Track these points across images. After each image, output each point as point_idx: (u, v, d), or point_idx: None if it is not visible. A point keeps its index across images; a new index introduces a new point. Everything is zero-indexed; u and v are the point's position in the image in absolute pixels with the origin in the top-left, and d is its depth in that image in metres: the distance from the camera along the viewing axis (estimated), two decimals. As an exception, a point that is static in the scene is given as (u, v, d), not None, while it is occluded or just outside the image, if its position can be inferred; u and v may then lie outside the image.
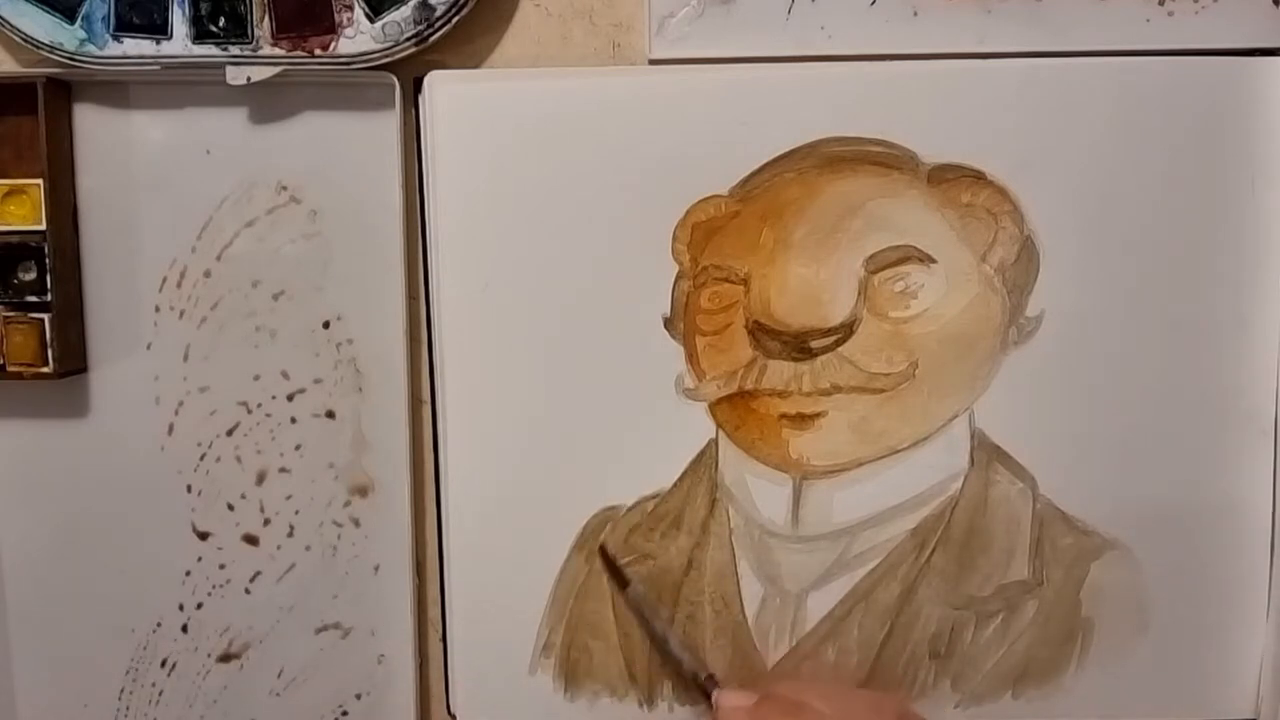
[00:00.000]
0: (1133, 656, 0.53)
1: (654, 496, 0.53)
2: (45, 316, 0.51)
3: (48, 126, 0.50)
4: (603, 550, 0.52)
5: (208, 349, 0.53)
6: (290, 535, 0.54)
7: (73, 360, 0.52)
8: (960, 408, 0.52)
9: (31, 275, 0.51)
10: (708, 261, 0.51)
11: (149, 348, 0.53)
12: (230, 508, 0.54)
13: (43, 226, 0.50)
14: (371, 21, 0.49)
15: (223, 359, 0.53)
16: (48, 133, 0.50)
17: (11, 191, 0.50)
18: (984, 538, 0.52)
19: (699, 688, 0.51)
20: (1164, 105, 0.50)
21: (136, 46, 0.49)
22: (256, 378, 0.53)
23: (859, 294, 0.51)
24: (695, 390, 0.52)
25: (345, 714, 0.56)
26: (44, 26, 0.49)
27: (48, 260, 0.50)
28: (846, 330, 0.51)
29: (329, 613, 0.55)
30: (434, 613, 0.55)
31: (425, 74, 0.50)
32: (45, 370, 0.51)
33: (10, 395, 0.54)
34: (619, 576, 0.52)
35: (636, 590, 0.52)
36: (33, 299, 0.51)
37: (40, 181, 0.50)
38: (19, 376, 0.51)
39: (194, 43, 0.49)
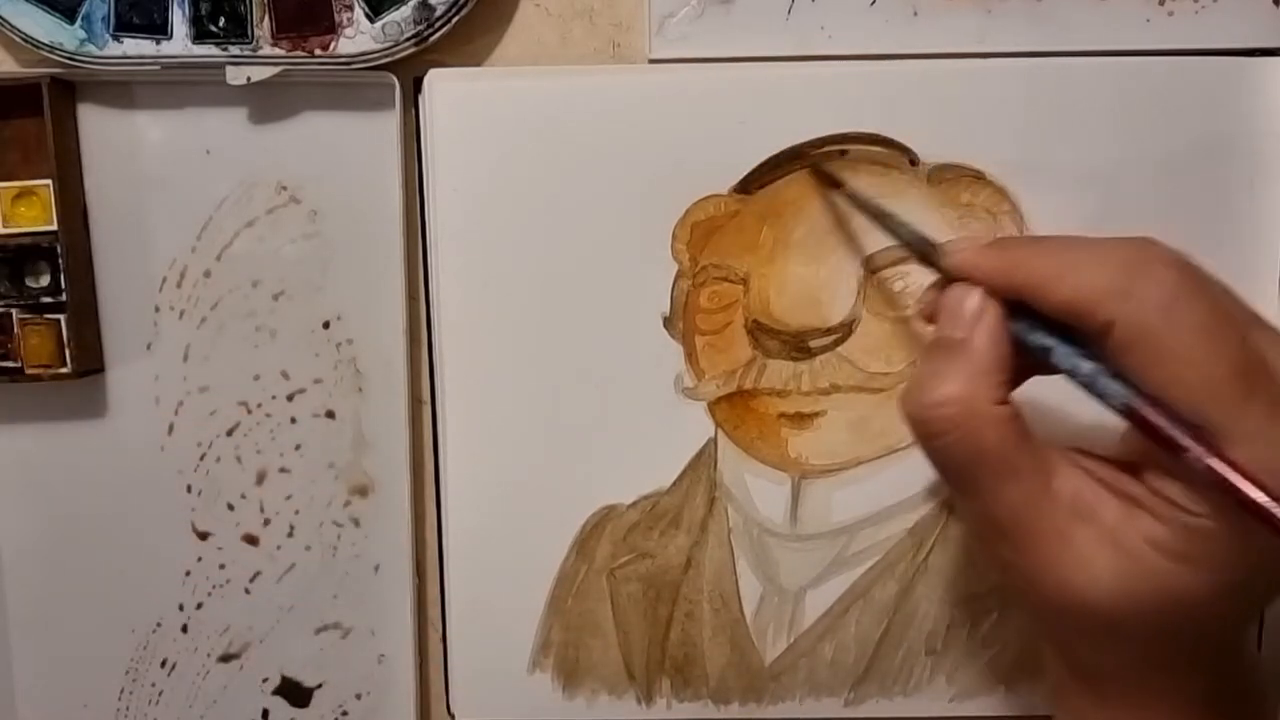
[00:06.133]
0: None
1: (653, 495, 0.53)
2: (61, 317, 0.51)
3: (54, 126, 0.50)
4: (815, 169, 0.50)
5: (208, 349, 0.53)
6: (290, 535, 0.54)
7: (90, 360, 0.52)
8: (959, 407, 0.52)
9: (45, 276, 0.51)
10: (707, 261, 0.51)
11: (149, 348, 0.53)
12: (230, 508, 0.54)
13: (54, 227, 0.50)
14: (371, 21, 0.49)
15: (223, 359, 0.53)
16: (54, 132, 0.50)
17: (21, 194, 0.50)
18: (982, 536, 0.52)
19: (929, 263, 0.44)
20: (1164, 105, 0.50)
21: (136, 46, 0.49)
22: (256, 378, 0.53)
23: (858, 293, 0.51)
24: (694, 389, 0.52)
25: (345, 714, 0.56)
26: (44, 26, 0.49)
27: (60, 260, 0.50)
28: (846, 330, 0.51)
29: (329, 613, 0.55)
30: (434, 613, 0.55)
31: (425, 74, 0.50)
32: (64, 371, 0.51)
33: (22, 397, 0.54)
34: (830, 179, 0.49)
35: (848, 188, 0.49)
36: (47, 300, 0.51)
37: (49, 182, 0.50)
38: (38, 378, 0.51)
39: (194, 43, 0.49)
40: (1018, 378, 0.41)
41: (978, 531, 0.42)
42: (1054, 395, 0.41)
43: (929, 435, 0.39)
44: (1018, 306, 0.40)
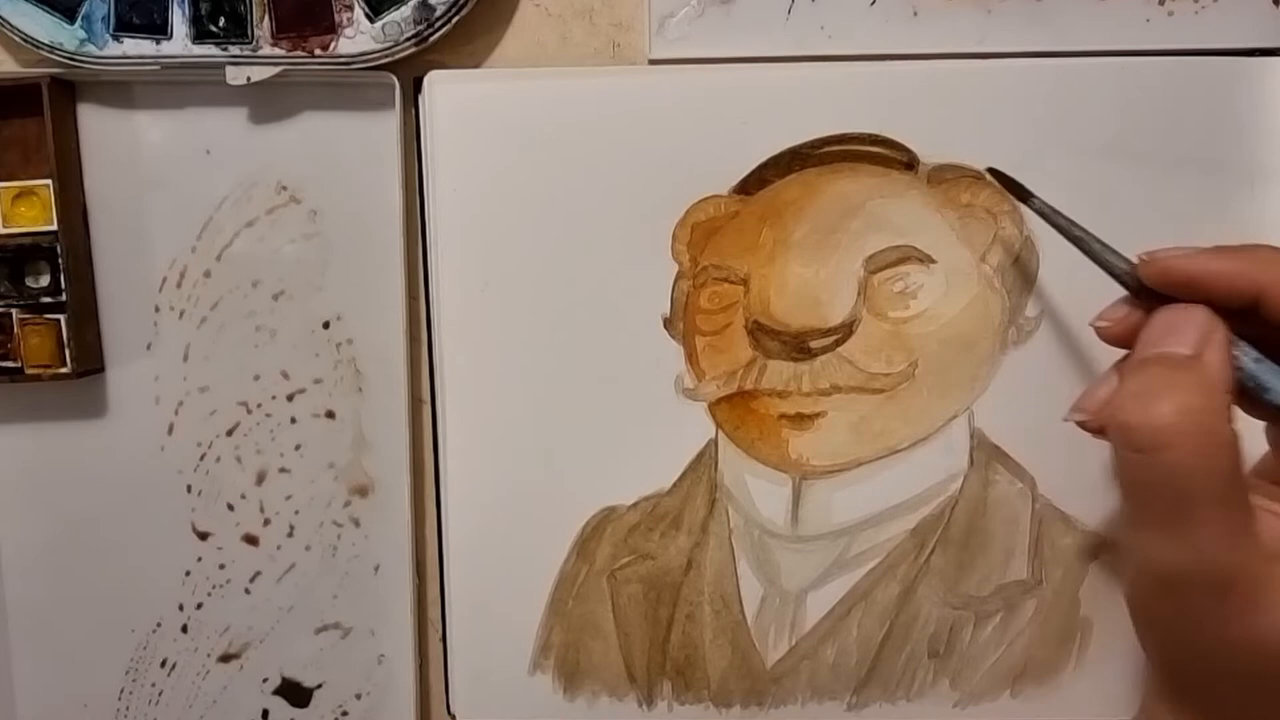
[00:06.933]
0: (1131, 655, 0.52)
1: (653, 496, 0.53)
2: (61, 317, 0.51)
3: (54, 126, 0.50)
4: (994, 171, 0.49)
5: (208, 349, 0.53)
6: (290, 535, 0.54)
7: (90, 360, 0.52)
8: (960, 408, 0.52)
9: (45, 276, 0.51)
10: (707, 261, 0.51)
11: (149, 348, 0.53)
12: (230, 508, 0.54)
13: (54, 227, 0.50)
14: (371, 21, 0.49)
15: (223, 359, 0.53)
16: (54, 132, 0.50)
17: (21, 194, 0.50)
18: (983, 537, 0.52)
19: (1121, 279, 0.42)
20: (1164, 105, 0.50)
21: (136, 46, 0.49)
22: (256, 378, 0.53)
23: (858, 294, 0.51)
24: (695, 390, 0.52)
25: (345, 714, 0.56)
26: (44, 26, 0.49)
27: (61, 260, 0.50)
28: (846, 330, 0.51)
29: (329, 613, 0.55)
30: (434, 613, 0.55)
31: (425, 74, 0.50)
32: (64, 371, 0.51)
33: (22, 397, 0.54)
34: (1019, 190, 0.47)
35: (1038, 202, 0.47)
36: (47, 300, 0.51)
37: (49, 182, 0.50)
38: (38, 378, 0.51)
39: (194, 43, 0.49)
40: None
41: (1162, 573, 0.37)
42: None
43: (1153, 449, 0.35)
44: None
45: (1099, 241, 0.44)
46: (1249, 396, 0.39)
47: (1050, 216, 0.46)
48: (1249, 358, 0.38)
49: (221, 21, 0.49)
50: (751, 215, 0.51)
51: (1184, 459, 0.35)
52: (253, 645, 0.55)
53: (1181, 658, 0.40)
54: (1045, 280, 0.50)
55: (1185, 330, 0.38)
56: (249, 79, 0.49)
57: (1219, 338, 0.37)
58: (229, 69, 0.49)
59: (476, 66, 0.52)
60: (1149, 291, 0.41)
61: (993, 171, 0.49)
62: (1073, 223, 0.45)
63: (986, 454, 0.52)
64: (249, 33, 0.49)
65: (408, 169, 0.51)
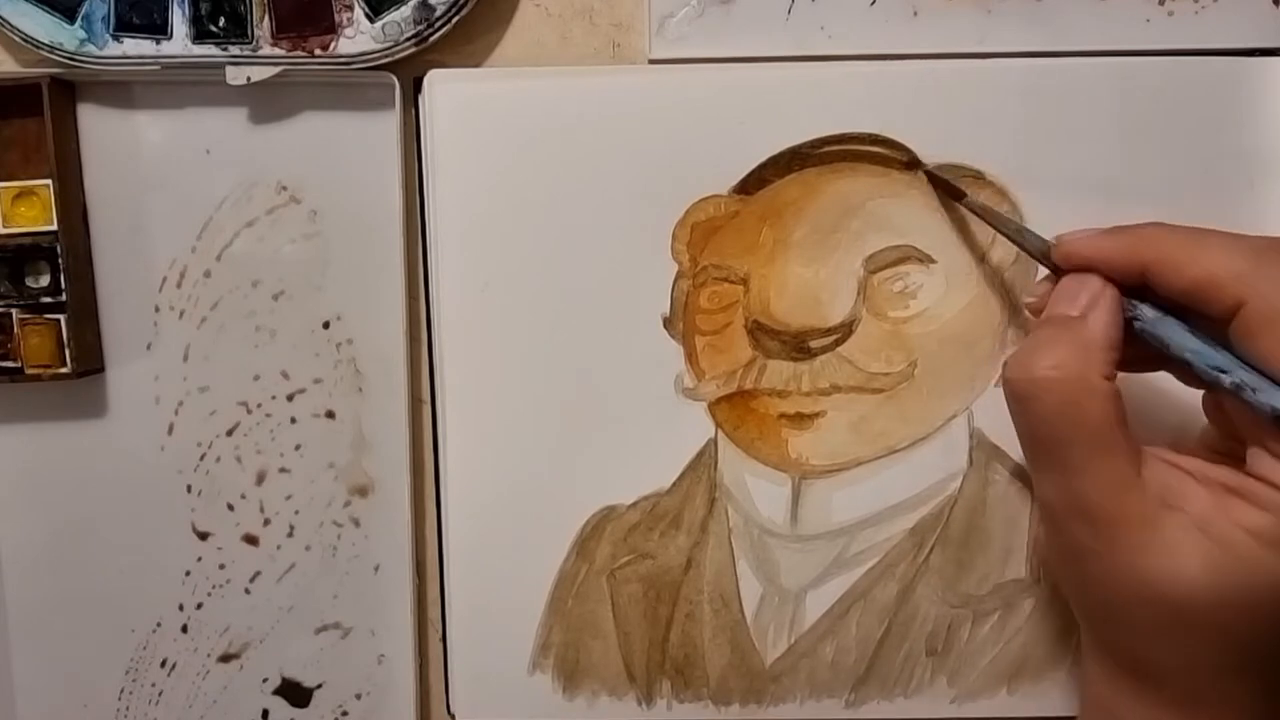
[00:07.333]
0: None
1: (653, 496, 0.53)
2: (61, 317, 0.51)
3: (54, 126, 0.50)
4: (929, 173, 0.50)
5: (208, 349, 0.53)
6: (290, 535, 0.54)
7: (90, 360, 0.52)
8: (959, 407, 0.52)
9: (45, 276, 0.51)
10: (707, 261, 0.51)
11: (149, 348, 0.53)
12: (230, 508, 0.54)
13: (54, 227, 0.50)
14: (371, 21, 0.49)
15: (223, 359, 0.53)
16: (54, 132, 0.50)
17: (21, 194, 0.50)
18: (982, 537, 0.52)
19: (1049, 264, 0.46)
20: (1164, 105, 0.50)
21: (136, 46, 0.49)
22: (256, 378, 0.53)
23: (858, 294, 0.51)
24: (694, 390, 0.52)
25: (345, 714, 0.56)
26: (44, 26, 0.49)
27: (60, 260, 0.50)
28: (846, 330, 0.51)
29: (329, 613, 0.55)
30: (434, 613, 0.55)
31: (425, 74, 0.50)
32: (64, 371, 0.51)
33: (21, 397, 0.54)
34: (952, 189, 0.49)
35: (970, 199, 0.49)
36: (47, 300, 0.51)
37: (49, 182, 0.50)
38: (38, 378, 0.51)
39: (194, 43, 0.49)
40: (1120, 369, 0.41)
41: (1057, 514, 0.41)
42: (1137, 393, 0.42)
43: (1033, 399, 0.40)
44: (1136, 296, 0.41)
45: (1035, 236, 0.46)
46: (1173, 361, 0.41)
47: (984, 214, 0.49)
48: (1150, 316, 0.41)
49: (221, 21, 0.49)
50: (751, 215, 0.51)
51: (1054, 407, 0.39)
52: (253, 645, 0.55)
53: (1087, 603, 0.43)
54: (1045, 280, 0.51)
55: (1077, 295, 0.42)
56: (249, 79, 0.49)
57: (1106, 301, 0.41)
58: (229, 69, 0.49)
59: (476, 66, 0.52)
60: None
61: (928, 173, 0.50)
62: (1007, 219, 0.48)
63: (986, 454, 0.52)
64: (249, 33, 0.49)
65: (408, 169, 0.51)
